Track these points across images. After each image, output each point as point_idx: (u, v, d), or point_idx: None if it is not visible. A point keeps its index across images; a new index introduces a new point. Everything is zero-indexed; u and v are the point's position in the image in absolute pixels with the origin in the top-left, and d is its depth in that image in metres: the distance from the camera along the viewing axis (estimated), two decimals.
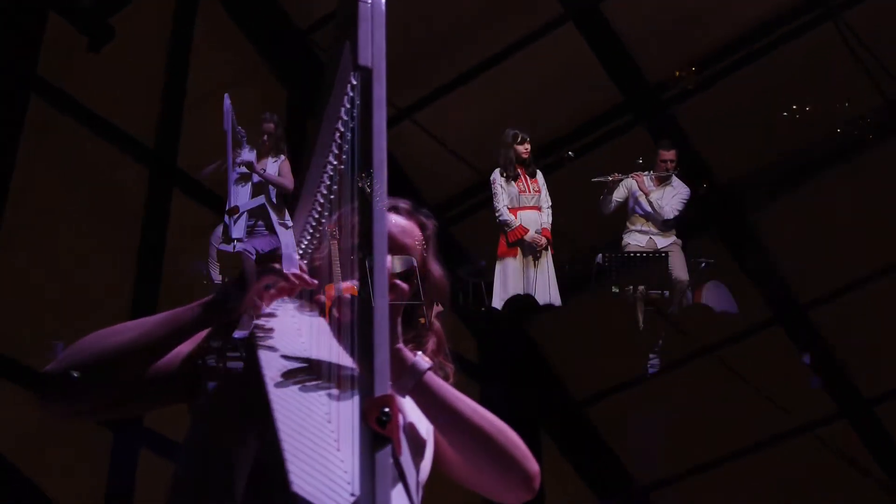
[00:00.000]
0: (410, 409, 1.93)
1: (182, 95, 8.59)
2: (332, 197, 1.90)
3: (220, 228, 7.40)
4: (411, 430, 1.91)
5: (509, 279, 8.11)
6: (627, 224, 8.58)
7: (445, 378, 1.99)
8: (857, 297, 9.33)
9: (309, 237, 1.98)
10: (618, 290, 8.32)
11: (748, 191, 9.19)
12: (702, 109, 9.11)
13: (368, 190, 1.47)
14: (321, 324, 1.87)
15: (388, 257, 1.52)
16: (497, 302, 8.09)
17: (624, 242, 8.50)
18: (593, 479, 10.36)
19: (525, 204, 8.27)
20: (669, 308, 8.38)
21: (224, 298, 1.88)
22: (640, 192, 8.50)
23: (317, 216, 1.95)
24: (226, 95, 7.31)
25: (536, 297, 8.10)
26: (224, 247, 7.18)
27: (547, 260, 8.18)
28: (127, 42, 8.15)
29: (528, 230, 8.16)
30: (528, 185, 8.33)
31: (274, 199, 7.47)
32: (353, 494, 1.42)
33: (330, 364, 1.71)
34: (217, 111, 7.46)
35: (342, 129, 1.79)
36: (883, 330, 9.13)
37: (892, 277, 9.16)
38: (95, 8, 8.11)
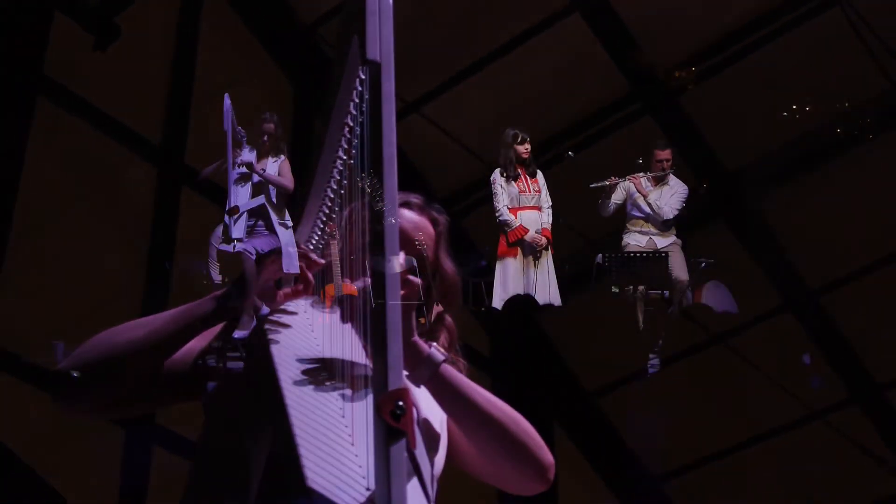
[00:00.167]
0: (424, 402, 1.93)
1: (189, 93, 8.59)
2: (342, 192, 1.89)
3: (220, 228, 7.39)
4: (425, 424, 1.91)
5: (509, 279, 8.11)
6: (627, 225, 8.59)
7: (459, 372, 1.99)
8: (868, 281, 9.31)
9: (319, 234, 1.98)
10: (618, 290, 8.34)
11: (756, 178, 9.17)
12: (709, 98, 9.09)
13: (379, 185, 1.46)
14: (333, 320, 1.87)
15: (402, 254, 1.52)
16: (497, 302, 8.09)
17: (624, 242, 8.52)
18: (606, 470, 10.36)
19: (525, 204, 8.27)
20: (669, 308, 8.39)
21: (225, 298, 1.88)
22: (639, 195, 8.51)
23: (327, 212, 1.95)
24: (226, 95, 7.31)
25: (536, 298, 8.10)
26: (224, 247, 7.17)
27: (547, 260, 8.18)
28: (133, 40, 8.16)
29: (529, 230, 8.16)
30: (528, 185, 8.33)
31: (274, 199, 7.46)
32: (368, 489, 1.43)
33: (343, 360, 1.71)
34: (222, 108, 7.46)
35: (351, 124, 1.79)
36: (893, 314, 9.11)
37: None
38: (101, 6, 8.11)
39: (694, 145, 9.23)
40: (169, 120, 8.47)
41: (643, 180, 8.55)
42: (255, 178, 7.50)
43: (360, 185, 1.65)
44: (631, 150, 8.84)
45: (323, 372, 1.68)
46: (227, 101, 7.17)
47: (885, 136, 8.68)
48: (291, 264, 1.88)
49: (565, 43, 9.18)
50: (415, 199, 2.18)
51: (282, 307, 1.89)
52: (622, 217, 8.66)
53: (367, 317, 1.63)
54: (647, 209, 8.47)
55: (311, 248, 1.95)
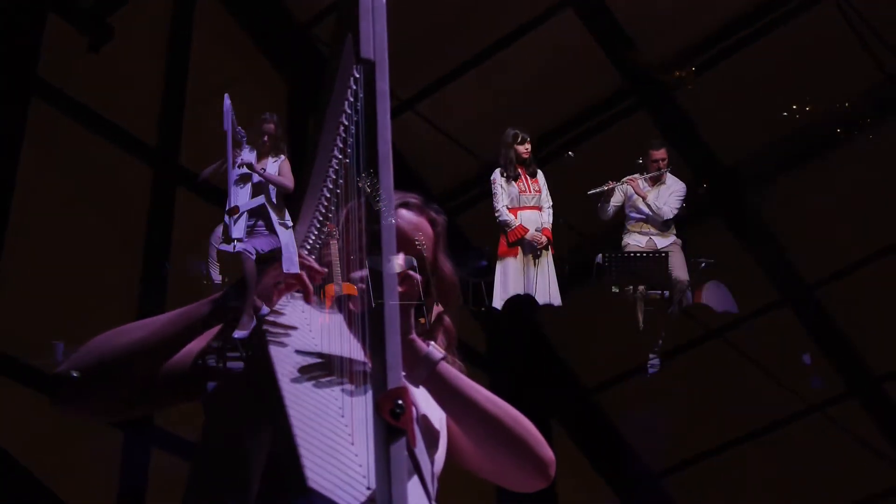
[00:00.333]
0: (423, 401, 1.93)
1: (183, 93, 8.59)
2: (338, 192, 1.89)
3: (220, 228, 7.39)
4: (425, 422, 1.91)
5: (509, 279, 8.12)
6: (627, 227, 8.59)
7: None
8: (864, 274, 9.32)
9: (316, 233, 1.98)
10: (618, 290, 8.35)
11: (752, 172, 9.18)
12: (704, 92, 9.10)
13: (375, 184, 1.46)
14: (332, 319, 1.87)
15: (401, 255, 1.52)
16: (497, 302, 8.10)
17: (624, 242, 8.53)
18: (604, 467, 10.37)
19: (525, 204, 8.28)
20: (669, 308, 8.40)
21: (225, 299, 1.88)
22: (637, 197, 8.52)
23: (323, 211, 1.95)
24: (226, 95, 7.29)
25: (536, 297, 8.11)
26: (224, 247, 7.16)
27: (547, 260, 8.19)
28: (126, 41, 8.15)
29: (528, 229, 8.16)
30: (528, 185, 8.34)
31: (274, 199, 7.46)
32: (368, 488, 1.42)
33: (342, 358, 1.71)
34: (218, 108, 7.45)
35: (346, 123, 1.79)
36: (891, 307, 9.12)
37: None
38: (94, 7, 8.10)
39: (690, 141, 9.23)
40: (163, 121, 8.46)
41: (640, 182, 8.56)
42: (255, 178, 7.49)
43: (356, 184, 1.65)
44: (626, 147, 8.84)
45: (322, 371, 1.68)
46: (227, 101, 7.16)
47: (880, 128, 8.69)
48: (291, 265, 1.88)
49: (559, 39, 9.18)
50: (413, 199, 2.17)
51: (280, 307, 1.89)
52: (622, 217, 8.66)
53: (365, 315, 1.62)
54: (647, 210, 8.48)
55: (308, 248, 1.95)
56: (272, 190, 7.49)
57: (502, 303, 8.11)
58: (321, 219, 1.95)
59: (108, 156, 8.04)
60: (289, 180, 7.44)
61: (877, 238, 9.10)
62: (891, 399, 9.84)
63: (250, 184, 7.50)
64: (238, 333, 1.84)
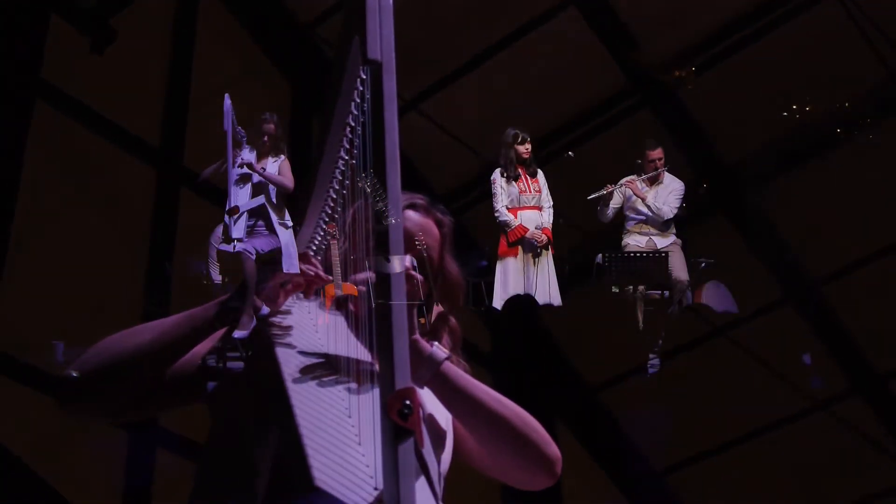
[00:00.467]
0: (430, 401, 1.93)
1: (186, 94, 8.59)
2: (344, 192, 1.89)
3: (220, 228, 7.38)
4: (431, 422, 1.91)
5: (510, 279, 8.12)
6: (627, 228, 8.59)
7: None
8: (868, 272, 9.32)
9: (321, 234, 1.98)
10: (618, 290, 8.35)
11: (755, 170, 9.17)
12: (707, 90, 9.09)
13: (381, 185, 1.46)
14: (337, 319, 1.87)
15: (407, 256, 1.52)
16: (497, 302, 8.10)
17: (623, 243, 8.53)
18: (609, 464, 10.36)
19: (525, 204, 8.27)
20: (669, 308, 8.40)
21: (231, 300, 1.88)
22: (636, 198, 8.52)
23: (329, 212, 1.95)
24: (226, 96, 7.30)
25: (536, 297, 8.11)
26: (224, 247, 7.16)
27: (547, 260, 8.19)
28: (129, 42, 8.15)
29: (528, 229, 8.16)
30: (528, 185, 8.33)
31: (274, 199, 7.45)
32: (376, 488, 1.43)
33: (348, 359, 1.71)
34: (222, 109, 7.45)
35: (353, 124, 1.79)
36: (892, 306, 9.11)
37: None
38: (97, 9, 8.10)
39: (691, 141, 9.23)
40: (167, 122, 8.46)
41: (638, 183, 8.56)
42: (255, 178, 7.49)
43: (362, 185, 1.65)
44: (629, 146, 8.84)
45: (329, 371, 1.68)
46: (228, 102, 7.16)
47: (882, 125, 8.69)
48: (291, 265, 1.88)
49: (563, 37, 9.18)
50: (419, 200, 2.16)
51: (284, 307, 1.89)
52: (622, 218, 8.66)
53: (370, 316, 1.63)
54: (647, 211, 8.48)
55: (314, 249, 1.95)
56: (272, 190, 7.49)
57: (502, 303, 8.10)
58: (327, 220, 1.95)
59: (112, 157, 8.05)
60: (289, 180, 7.44)
61: (877, 238, 9.09)
62: (894, 396, 9.83)
63: (250, 184, 7.50)
64: (238, 333, 1.84)
